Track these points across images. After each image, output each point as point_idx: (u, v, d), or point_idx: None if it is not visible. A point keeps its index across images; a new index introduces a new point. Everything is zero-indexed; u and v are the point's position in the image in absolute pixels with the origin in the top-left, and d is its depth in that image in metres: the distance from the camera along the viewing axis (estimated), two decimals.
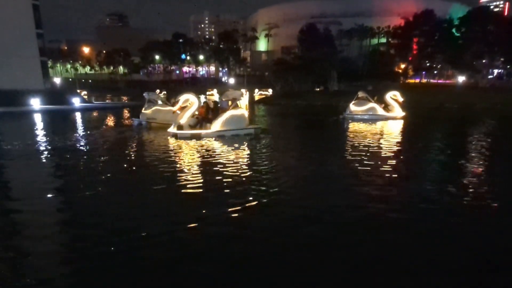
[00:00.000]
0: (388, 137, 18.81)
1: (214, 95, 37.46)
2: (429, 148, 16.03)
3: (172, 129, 17.79)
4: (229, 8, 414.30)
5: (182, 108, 17.55)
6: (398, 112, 27.06)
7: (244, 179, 10.03)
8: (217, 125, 17.95)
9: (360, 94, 28.26)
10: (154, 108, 23.22)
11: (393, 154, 14.12)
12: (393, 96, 27.22)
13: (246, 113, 19.27)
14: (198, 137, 17.24)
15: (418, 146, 16.44)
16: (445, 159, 13.98)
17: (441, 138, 20.01)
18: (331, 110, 34.78)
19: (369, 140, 16.98)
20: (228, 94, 19.71)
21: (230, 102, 19.11)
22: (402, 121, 25.73)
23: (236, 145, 15.55)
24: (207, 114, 18.57)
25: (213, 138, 17.21)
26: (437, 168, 12.38)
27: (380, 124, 24.41)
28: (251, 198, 8.29)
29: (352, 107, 27.85)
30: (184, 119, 17.56)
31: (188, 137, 17.24)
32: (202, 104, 19.14)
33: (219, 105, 20.13)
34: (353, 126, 23.33)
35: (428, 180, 10.23)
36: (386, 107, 27.29)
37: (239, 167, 11.45)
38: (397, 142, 17.45)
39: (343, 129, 23.28)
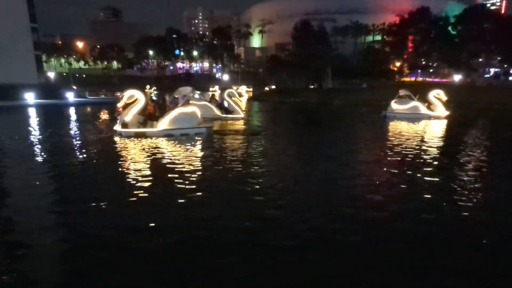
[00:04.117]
0: (434, 139, 17.35)
1: (217, 91, 37.19)
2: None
3: (117, 127, 16.72)
4: (222, 4, 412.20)
5: (127, 105, 16.53)
6: (442, 111, 26.34)
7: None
8: (164, 123, 16.59)
9: (402, 92, 27.50)
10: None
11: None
12: (437, 95, 26.53)
13: (197, 111, 17.65)
14: (143, 136, 16.25)
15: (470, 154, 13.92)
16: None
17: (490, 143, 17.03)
18: (340, 108, 33.62)
19: (421, 144, 15.55)
20: (180, 90, 19.09)
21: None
22: (445, 121, 24.88)
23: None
24: (155, 111, 17.46)
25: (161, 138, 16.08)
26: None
27: (424, 123, 23.47)
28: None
29: (394, 105, 27.01)
30: (129, 116, 16.39)
31: (133, 135, 16.27)
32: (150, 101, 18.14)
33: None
34: (396, 125, 22.09)
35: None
36: (429, 106, 26.63)
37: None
38: (441, 145, 15.84)
39: (389, 129, 21.41)
